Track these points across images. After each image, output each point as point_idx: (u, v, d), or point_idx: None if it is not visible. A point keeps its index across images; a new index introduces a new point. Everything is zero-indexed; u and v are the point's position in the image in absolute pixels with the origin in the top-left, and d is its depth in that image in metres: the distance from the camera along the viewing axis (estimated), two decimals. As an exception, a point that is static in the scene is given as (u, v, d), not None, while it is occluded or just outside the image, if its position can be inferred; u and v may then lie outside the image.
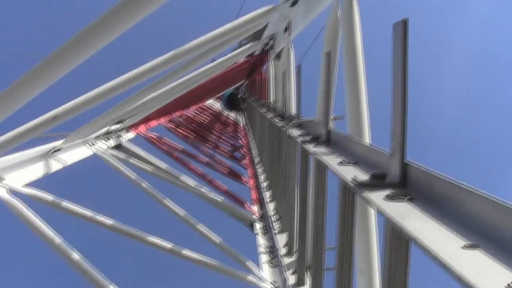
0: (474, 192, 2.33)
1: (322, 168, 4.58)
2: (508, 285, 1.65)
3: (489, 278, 1.74)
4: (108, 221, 7.09)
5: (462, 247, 2.03)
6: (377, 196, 2.84)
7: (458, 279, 1.74)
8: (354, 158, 4.00)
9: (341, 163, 3.88)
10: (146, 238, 7.24)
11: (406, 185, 3.04)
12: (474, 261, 1.92)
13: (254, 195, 12.13)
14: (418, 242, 2.09)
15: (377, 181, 3.08)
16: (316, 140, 5.24)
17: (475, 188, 2.36)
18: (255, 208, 11.09)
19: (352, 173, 3.40)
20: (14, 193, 6.25)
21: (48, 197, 6.69)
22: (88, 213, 7.01)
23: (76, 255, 6.10)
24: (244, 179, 13.24)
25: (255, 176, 13.26)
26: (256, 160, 14.56)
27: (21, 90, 3.96)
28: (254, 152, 15.98)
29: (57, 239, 6.09)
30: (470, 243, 2.09)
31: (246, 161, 15.84)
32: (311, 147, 4.96)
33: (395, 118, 3.03)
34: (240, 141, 19.91)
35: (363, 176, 3.26)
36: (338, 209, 3.75)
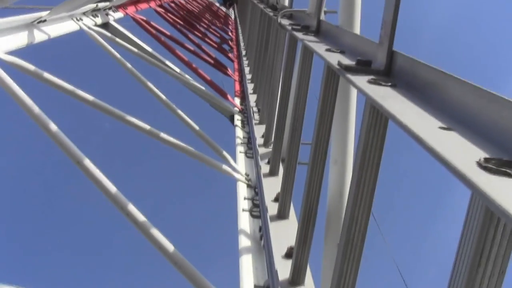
0: (457, 79, 2.33)
1: (308, 53, 4.55)
2: (479, 160, 1.68)
3: (463, 155, 1.78)
4: (89, 97, 7.05)
5: (439, 127, 2.06)
6: (361, 80, 2.83)
7: (435, 155, 1.77)
8: (342, 47, 3.97)
9: (328, 50, 3.85)
10: (126, 117, 7.24)
11: (391, 74, 3.04)
12: (449, 140, 1.96)
13: (237, 88, 12.15)
14: (396, 119, 2.10)
15: (362, 67, 3.07)
16: (306, 29, 5.17)
17: (457, 76, 2.36)
18: (237, 101, 11.14)
19: (338, 59, 3.38)
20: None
21: (30, 66, 6.58)
22: (69, 86, 6.95)
23: (53, 127, 6.08)
24: (229, 71, 13.19)
25: (241, 70, 13.21)
26: (243, 53, 14.45)
27: None
28: (242, 45, 15.82)
29: (36, 109, 6.05)
30: (446, 125, 2.12)
31: (233, 54, 15.70)
32: (300, 35, 4.90)
33: (388, 3, 2.97)
34: (229, 34, 19.65)
35: (349, 61, 3.25)
36: (320, 94, 3.77)
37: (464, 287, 1.80)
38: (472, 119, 2.11)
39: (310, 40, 4.56)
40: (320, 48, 4.05)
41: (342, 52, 3.83)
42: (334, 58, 3.47)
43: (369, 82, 2.80)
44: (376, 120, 2.65)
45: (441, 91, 2.44)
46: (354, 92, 4.11)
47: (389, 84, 2.75)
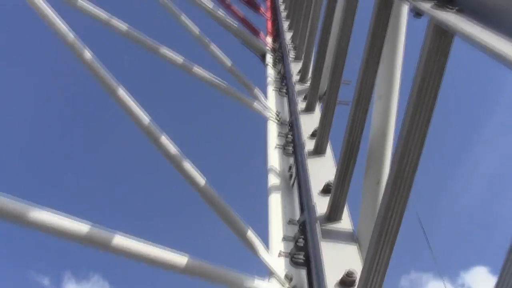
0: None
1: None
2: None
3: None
4: (123, 26, 6.93)
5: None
6: (423, 3, 2.66)
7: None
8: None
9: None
10: (159, 49, 7.11)
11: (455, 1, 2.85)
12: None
13: (269, 26, 11.91)
14: (464, 34, 1.94)
15: (423, -9, 2.87)
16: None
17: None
18: (269, 39, 10.93)
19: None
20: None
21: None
22: (104, 15, 6.82)
23: (88, 55, 5.98)
24: (261, 9, 12.91)
25: (274, 7, 12.91)
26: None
27: None
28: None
29: (71, 36, 5.94)
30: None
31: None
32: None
33: None
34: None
35: (407, -14, 3.06)
36: (370, 24, 3.60)
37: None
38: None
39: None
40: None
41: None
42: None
43: (432, 6, 2.63)
44: (439, 40, 2.48)
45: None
46: (404, 23, 3.91)
47: (456, 8, 2.58)
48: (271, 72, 8.92)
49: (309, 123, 5.85)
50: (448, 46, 2.51)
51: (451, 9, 2.56)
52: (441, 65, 2.54)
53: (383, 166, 3.98)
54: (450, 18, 2.40)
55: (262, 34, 10.94)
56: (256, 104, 7.37)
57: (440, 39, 2.49)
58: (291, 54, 8.61)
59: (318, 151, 5.26)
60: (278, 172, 5.74)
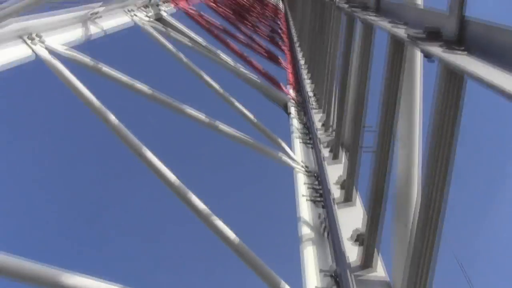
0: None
1: (369, 30, 4.40)
2: None
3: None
4: (147, 89, 7.07)
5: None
6: (433, 48, 2.70)
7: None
8: (405, 20, 3.82)
9: (391, 22, 3.72)
10: (183, 109, 7.23)
11: (463, 42, 2.88)
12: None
13: (290, 78, 12.06)
14: (476, 76, 1.98)
15: (432, 35, 2.92)
16: (364, 8, 5.03)
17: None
18: (290, 90, 11.04)
19: (404, 30, 3.25)
20: (55, 54, 6.19)
21: (88, 60, 6.63)
22: (127, 79, 6.98)
23: (113, 119, 6.10)
24: (281, 62, 13.10)
25: (294, 59, 13.11)
26: (296, 44, 14.32)
27: None
28: (294, 36, 15.70)
29: (97, 102, 6.08)
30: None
31: (284, 45, 15.60)
32: (359, 12, 4.77)
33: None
34: (278, 24, 19.54)
35: (416, 32, 3.11)
36: (385, 69, 3.64)
37: None
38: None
39: (371, 17, 4.42)
40: (383, 23, 3.91)
41: (405, 23, 3.69)
42: (400, 30, 3.33)
43: (443, 50, 2.67)
44: (452, 83, 2.51)
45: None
46: (419, 66, 3.94)
47: (463, 50, 2.61)
48: (295, 122, 8.98)
49: (336, 172, 5.86)
50: (460, 87, 2.54)
51: (460, 50, 2.60)
52: (456, 106, 2.56)
53: (411, 210, 3.96)
54: (459, 60, 2.43)
55: (283, 86, 11.08)
56: (282, 156, 7.40)
57: (452, 81, 2.52)
58: (314, 105, 8.68)
59: (347, 199, 5.26)
60: (308, 222, 5.72)
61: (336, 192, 5.43)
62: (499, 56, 2.43)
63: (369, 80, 4.82)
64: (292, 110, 9.66)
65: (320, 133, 7.37)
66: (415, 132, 4.02)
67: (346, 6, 5.59)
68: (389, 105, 3.74)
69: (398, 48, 3.52)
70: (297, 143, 8.07)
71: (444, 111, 2.57)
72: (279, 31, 18.36)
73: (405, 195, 4.08)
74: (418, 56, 3.85)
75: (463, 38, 2.86)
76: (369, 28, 4.59)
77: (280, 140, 7.97)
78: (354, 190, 5.30)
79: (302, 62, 11.87)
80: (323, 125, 7.70)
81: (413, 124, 3.98)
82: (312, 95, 9.38)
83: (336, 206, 5.05)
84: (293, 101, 10.09)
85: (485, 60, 2.41)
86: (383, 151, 4.02)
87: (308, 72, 10.89)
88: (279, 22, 21.04)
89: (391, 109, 3.75)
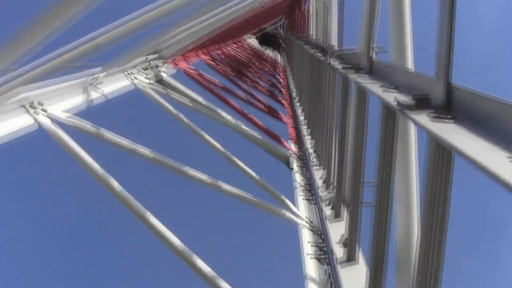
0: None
1: (363, 93, 4.52)
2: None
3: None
4: (149, 153, 7.15)
5: (508, 157, 2.00)
6: (422, 117, 2.79)
7: (507, 186, 1.71)
8: (396, 83, 3.94)
9: (382, 87, 3.83)
10: (186, 171, 7.29)
11: (450, 108, 2.98)
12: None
13: (291, 133, 12.16)
14: (463, 154, 2.05)
15: (421, 103, 3.03)
16: (357, 68, 5.16)
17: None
18: (291, 145, 11.12)
19: (395, 96, 3.35)
20: (57, 122, 6.28)
21: (90, 126, 6.71)
22: (129, 144, 7.06)
23: (117, 185, 6.15)
24: (281, 116, 13.23)
25: (293, 114, 13.24)
26: (296, 100, 14.50)
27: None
28: (293, 90, 15.91)
29: (100, 169, 6.14)
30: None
31: (284, 99, 15.78)
32: (353, 75, 4.90)
33: (441, 36, 2.94)
34: (277, 78, 19.80)
35: (405, 98, 3.21)
36: (379, 133, 3.73)
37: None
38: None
39: (364, 80, 4.54)
40: (375, 87, 4.02)
41: (396, 87, 3.80)
42: (391, 97, 3.44)
43: (430, 118, 2.75)
44: (441, 156, 2.59)
45: (506, 122, 2.37)
46: (413, 129, 4.04)
47: (450, 118, 2.70)
48: (298, 177, 9.01)
49: (338, 230, 5.88)
50: (449, 163, 2.60)
51: (447, 118, 2.69)
52: (446, 178, 2.62)
53: (411, 270, 3.98)
54: (447, 131, 2.50)
55: (284, 141, 11.17)
56: (286, 212, 7.42)
57: (440, 154, 2.60)
58: (314, 162, 8.75)
59: (349, 258, 5.26)
60: (315, 279, 5.72)
61: (339, 252, 5.44)
62: (485, 124, 2.52)
63: (365, 140, 4.90)
64: (294, 165, 9.71)
65: (321, 191, 7.42)
66: (413, 192, 4.08)
67: (340, 67, 5.73)
68: (384, 172, 3.81)
69: (390, 115, 3.62)
70: (301, 200, 8.09)
71: (434, 183, 2.63)
72: (279, 85, 18.60)
73: (405, 254, 4.11)
74: (411, 122, 3.96)
75: (451, 104, 2.96)
76: (363, 92, 4.71)
77: (283, 197, 8.00)
78: (357, 247, 5.31)
79: (301, 118, 12.00)
80: (324, 181, 7.75)
81: (410, 185, 4.05)
82: (313, 151, 9.46)
83: (339, 266, 5.06)
84: (295, 156, 10.16)
85: (471, 130, 2.49)
86: (382, 208, 4.06)
87: (308, 128, 11.00)
88: (278, 76, 21.33)
89: (386, 176, 3.82)
